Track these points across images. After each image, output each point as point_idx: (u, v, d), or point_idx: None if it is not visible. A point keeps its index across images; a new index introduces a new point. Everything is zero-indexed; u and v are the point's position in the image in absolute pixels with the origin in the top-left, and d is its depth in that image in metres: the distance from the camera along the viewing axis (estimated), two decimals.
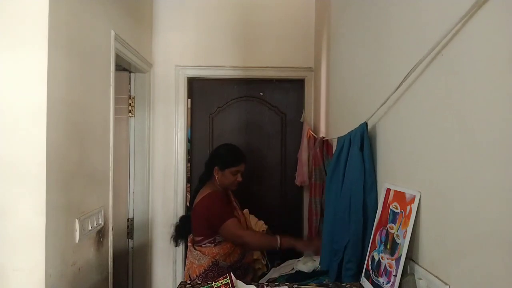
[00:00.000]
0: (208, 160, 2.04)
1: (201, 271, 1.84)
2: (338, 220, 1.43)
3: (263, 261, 2.18)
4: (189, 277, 1.89)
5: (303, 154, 2.49)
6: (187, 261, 1.97)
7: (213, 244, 1.86)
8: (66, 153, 1.39)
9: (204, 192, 1.92)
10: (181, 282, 1.38)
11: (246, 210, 2.30)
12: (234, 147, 2.05)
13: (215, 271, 1.83)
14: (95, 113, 1.67)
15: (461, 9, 0.76)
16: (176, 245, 2.18)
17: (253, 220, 2.39)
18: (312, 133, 2.39)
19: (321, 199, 2.09)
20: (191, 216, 1.97)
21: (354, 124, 1.42)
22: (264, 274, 2.10)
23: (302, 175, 2.50)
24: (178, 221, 2.20)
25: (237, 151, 2.01)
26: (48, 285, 1.26)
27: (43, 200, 1.24)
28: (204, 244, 1.87)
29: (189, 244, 1.98)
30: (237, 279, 1.26)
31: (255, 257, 2.13)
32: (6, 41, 1.23)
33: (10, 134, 1.23)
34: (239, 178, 1.97)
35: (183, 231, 2.09)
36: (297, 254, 2.06)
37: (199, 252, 1.87)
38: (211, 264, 1.84)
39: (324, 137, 2.10)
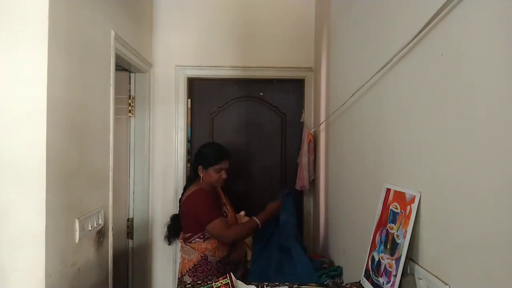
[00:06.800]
0: (193, 160, 2.08)
1: (191, 266, 1.90)
2: None
3: None
4: (181, 272, 1.97)
5: (303, 159, 2.47)
6: (180, 258, 2.03)
7: (202, 239, 1.91)
8: (66, 153, 1.38)
9: (190, 189, 1.97)
10: (180, 281, 1.38)
11: (242, 212, 2.27)
12: (216, 145, 2.08)
13: (204, 265, 1.90)
14: (95, 113, 1.67)
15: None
16: (169, 243, 2.22)
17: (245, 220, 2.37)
18: (313, 137, 2.38)
19: None
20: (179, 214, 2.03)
21: (354, 124, 1.42)
22: None
23: (302, 179, 2.49)
24: (169, 220, 2.21)
25: (219, 149, 2.03)
26: (48, 285, 1.26)
27: (43, 200, 1.24)
28: (194, 239, 1.93)
29: (180, 240, 2.03)
30: (226, 273, 1.28)
31: (249, 259, 2.13)
32: (6, 41, 1.23)
33: (10, 134, 1.23)
34: (223, 176, 2.00)
35: (175, 229, 2.13)
36: None
37: (189, 247, 1.93)
38: (200, 258, 1.90)
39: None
